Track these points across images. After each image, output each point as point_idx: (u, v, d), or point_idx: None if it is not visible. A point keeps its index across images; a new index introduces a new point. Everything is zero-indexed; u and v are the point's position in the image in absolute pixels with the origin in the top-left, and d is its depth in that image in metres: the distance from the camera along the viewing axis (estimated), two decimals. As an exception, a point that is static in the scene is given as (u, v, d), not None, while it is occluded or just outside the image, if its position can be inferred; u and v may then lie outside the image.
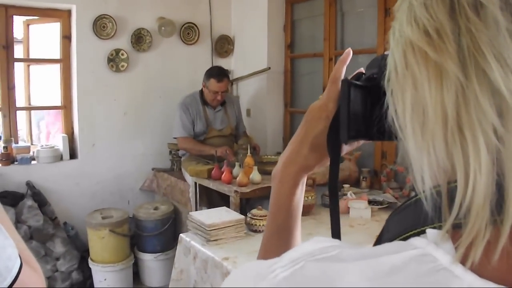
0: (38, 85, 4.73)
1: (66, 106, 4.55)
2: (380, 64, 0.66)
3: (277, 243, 0.79)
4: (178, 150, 4.52)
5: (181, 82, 4.85)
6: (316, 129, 0.76)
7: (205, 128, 4.27)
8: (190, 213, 2.91)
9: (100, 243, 3.97)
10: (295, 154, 0.78)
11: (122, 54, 4.52)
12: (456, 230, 0.41)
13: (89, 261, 4.07)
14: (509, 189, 0.39)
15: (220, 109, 4.41)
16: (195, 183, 3.70)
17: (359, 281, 0.40)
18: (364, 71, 0.75)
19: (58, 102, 4.59)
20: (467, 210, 0.39)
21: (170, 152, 4.72)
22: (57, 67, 4.56)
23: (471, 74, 0.41)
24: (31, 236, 3.94)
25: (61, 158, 4.43)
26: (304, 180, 0.80)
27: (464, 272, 0.39)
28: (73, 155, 4.51)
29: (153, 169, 4.76)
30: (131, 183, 4.74)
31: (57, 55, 4.51)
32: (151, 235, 4.14)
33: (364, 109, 0.69)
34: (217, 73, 4.24)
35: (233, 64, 5.25)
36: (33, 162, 4.28)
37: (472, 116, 0.40)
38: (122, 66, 4.53)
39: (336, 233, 0.76)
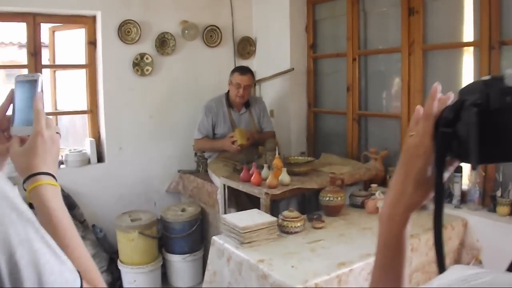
0: (64, 90, 4.79)
1: (92, 111, 4.61)
2: (481, 89, 0.69)
3: (386, 278, 0.82)
4: (204, 152, 4.56)
5: (205, 84, 4.89)
6: (416, 167, 0.78)
7: (230, 130, 4.30)
8: (222, 215, 2.93)
9: (130, 245, 4.02)
10: (400, 195, 0.80)
11: (147, 58, 4.56)
12: None
13: (119, 262, 4.12)
14: None
15: (245, 111, 4.45)
16: (224, 185, 3.73)
17: None
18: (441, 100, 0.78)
19: (84, 106, 4.65)
20: None
21: (195, 154, 4.74)
22: (82, 72, 4.61)
23: None
24: (62, 240, 3.98)
25: (88, 161, 4.49)
26: (410, 219, 0.82)
27: None
28: (100, 158, 4.57)
29: (179, 171, 4.79)
30: (157, 185, 4.78)
31: (82, 60, 4.57)
32: (179, 237, 4.18)
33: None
34: (241, 68, 4.42)
35: (256, 65, 5.26)
36: (62, 166, 4.35)
37: None
38: (147, 70, 4.58)
39: (441, 265, 0.76)
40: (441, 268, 0.74)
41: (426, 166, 0.77)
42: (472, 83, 0.74)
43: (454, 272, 0.50)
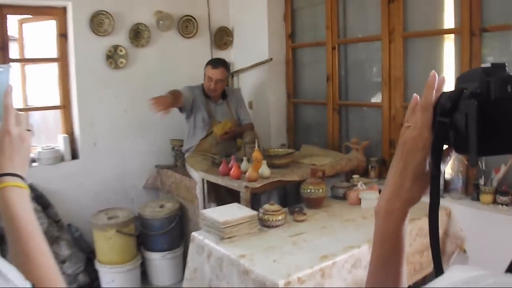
0: (35, 85, 4.70)
1: (65, 106, 4.53)
2: (481, 78, 0.67)
3: (384, 276, 0.81)
4: (181, 146, 4.52)
5: (181, 76, 4.82)
6: (415, 160, 0.77)
7: (207, 120, 4.28)
8: (201, 211, 2.91)
9: (107, 244, 3.97)
10: (397, 189, 0.79)
11: (121, 51, 4.50)
12: None
13: (96, 262, 4.07)
14: None
15: (222, 102, 4.42)
16: (203, 179, 3.70)
17: None
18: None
19: (56, 102, 4.56)
20: None
21: (173, 148, 4.72)
22: (54, 66, 4.52)
23: None
24: (36, 240, 3.91)
25: (62, 159, 4.42)
26: (408, 214, 0.80)
27: None
28: (74, 155, 4.50)
29: (156, 166, 4.77)
30: (134, 181, 4.74)
31: (53, 54, 4.48)
32: (158, 234, 4.15)
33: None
34: (213, 61, 4.37)
35: (233, 56, 5.24)
36: (34, 164, 4.27)
37: None
38: (121, 62, 4.52)
39: (438, 265, 0.75)
40: (439, 269, 0.74)
41: (425, 159, 0.76)
42: (471, 70, 0.72)
43: (454, 274, 0.49)
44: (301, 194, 3.24)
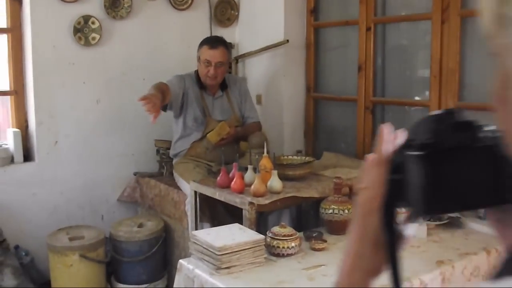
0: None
1: (17, 92, 4.54)
2: (433, 128, 0.75)
3: None
4: (168, 149, 4.54)
5: (171, 59, 4.87)
6: (374, 224, 0.82)
7: (201, 119, 4.29)
8: (192, 232, 2.92)
9: (67, 272, 3.98)
10: (357, 258, 0.84)
11: (93, 23, 4.53)
12: None
13: (52, 297, 4.09)
14: None
15: (221, 95, 4.43)
16: (195, 192, 3.71)
17: None
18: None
19: (5, 86, 4.56)
20: None
21: (158, 151, 4.73)
22: (2, 39, 4.53)
23: None
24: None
25: (11, 160, 4.43)
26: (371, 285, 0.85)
27: None
28: (28, 156, 4.52)
29: (135, 173, 4.79)
30: (106, 193, 4.76)
31: (3, 23, 4.49)
32: (134, 261, 4.16)
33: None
34: (210, 39, 4.39)
35: (238, 35, 5.27)
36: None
37: None
38: (93, 38, 4.54)
39: None
40: None
41: None
42: (421, 121, 0.79)
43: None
44: (320, 216, 3.25)
